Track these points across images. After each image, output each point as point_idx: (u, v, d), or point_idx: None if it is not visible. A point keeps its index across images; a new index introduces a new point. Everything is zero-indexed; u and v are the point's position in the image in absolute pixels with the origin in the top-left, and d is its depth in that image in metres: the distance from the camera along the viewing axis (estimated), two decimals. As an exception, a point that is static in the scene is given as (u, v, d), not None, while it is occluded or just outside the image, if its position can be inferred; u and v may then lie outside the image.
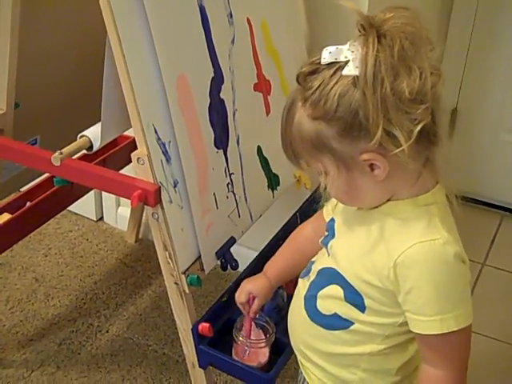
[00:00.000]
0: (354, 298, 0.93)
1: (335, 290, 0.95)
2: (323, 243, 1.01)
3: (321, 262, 1.00)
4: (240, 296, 1.17)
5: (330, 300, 0.96)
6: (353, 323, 0.94)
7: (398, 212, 0.88)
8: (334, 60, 0.82)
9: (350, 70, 0.80)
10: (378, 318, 0.92)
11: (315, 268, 1.00)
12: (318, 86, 0.82)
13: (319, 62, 0.83)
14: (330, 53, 0.82)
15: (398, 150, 0.80)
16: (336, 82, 0.81)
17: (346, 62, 0.81)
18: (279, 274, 1.17)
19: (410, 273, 0.85)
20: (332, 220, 1.01)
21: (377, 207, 0.90)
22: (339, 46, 0.82)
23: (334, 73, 0.81)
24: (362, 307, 0.92)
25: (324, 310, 0.97)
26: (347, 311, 0.94)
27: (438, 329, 0.86)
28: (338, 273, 0.94)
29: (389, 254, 0.87)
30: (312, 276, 1.01)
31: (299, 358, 1.06)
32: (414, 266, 0.85)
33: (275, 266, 1.18)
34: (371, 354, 0.95)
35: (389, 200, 0.89)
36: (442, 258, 0.85)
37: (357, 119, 0.80)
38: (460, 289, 0.88)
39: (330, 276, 0.96)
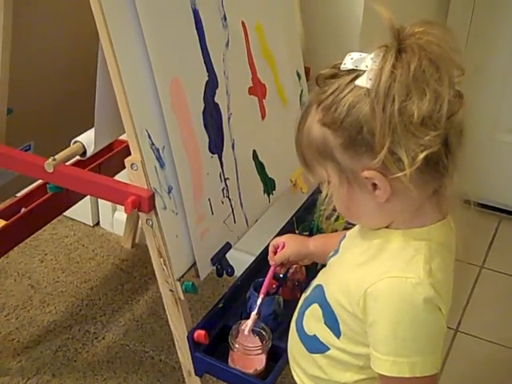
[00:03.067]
0: (331, 321, 0.89)
1: (316, 309, 0.92)
2: (327, 259, 0.98)
3: (318, 277, 0.98)
4: (274, 241, 1.18)
5: (312, 320, 0.94)
6: (329, 348, 0.91)
7: (388, 241, 0.84)
8: (354, 67, 0.78)
9: (363, 82, 0.76)
10: (352, 347, 0.88)
11: (313, 283, 0.98)
12: (333, 92, 0.78)
13: (340, 67, 0.80)
14: (351, 59, 0.79)
15: (400, 174, 0.75)
16: (350, 91, 0.77)
17: (364, 72, 0.76)
18: (320, 244, 1.14)
19: (375, 306, 0.81)
20: (344, 236, 0.98)
21: (375, 232, 0.86)
22: (363, 54, 0.78)
23: (351, 81, 0.77)
24: (337, 332, 0.89)
25: (307, 330, 0.95)
26: (325, 334, 0.91)
27: (388, 370, 0.81)
28: (323, 291, 0.92)
29: (363, 281, 0.83)
30: (308, 291, 0.98)
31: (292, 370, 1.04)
32: (379, 299, 0.81)
33: (322, 237, 1.22)
34: None
35: (387, 227, 0.85)
36: (409, 299, 0.79)
37: (360, 134, 0.76)
38: (424, 336, 0.81)
39: (316, 294, 0.94)
